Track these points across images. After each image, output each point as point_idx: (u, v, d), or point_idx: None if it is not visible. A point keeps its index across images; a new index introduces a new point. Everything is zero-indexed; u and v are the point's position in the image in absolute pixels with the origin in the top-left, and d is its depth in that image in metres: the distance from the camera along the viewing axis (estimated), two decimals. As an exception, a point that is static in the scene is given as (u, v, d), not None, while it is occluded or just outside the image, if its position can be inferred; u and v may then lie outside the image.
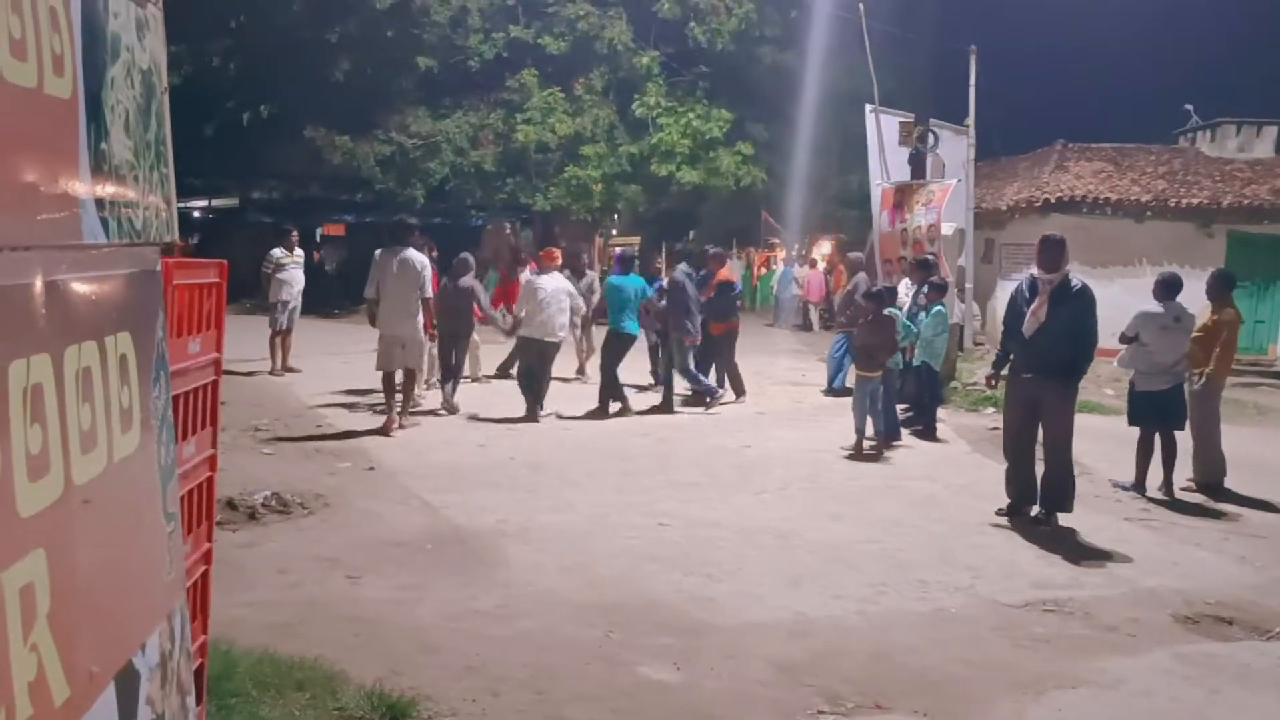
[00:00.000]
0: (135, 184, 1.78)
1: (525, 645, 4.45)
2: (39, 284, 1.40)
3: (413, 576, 5.28)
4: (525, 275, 11.25)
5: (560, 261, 11.02)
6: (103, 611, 1.57)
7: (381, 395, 9.36)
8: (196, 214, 27.96)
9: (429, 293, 9.12)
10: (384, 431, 8.98)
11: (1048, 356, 6.77)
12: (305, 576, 5.22)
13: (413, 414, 9.66)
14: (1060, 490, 6.87)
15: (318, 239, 26.96)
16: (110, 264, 1.69)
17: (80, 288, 1.55)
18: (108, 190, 1.64)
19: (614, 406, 10.47)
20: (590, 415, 10.33)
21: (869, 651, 4.59)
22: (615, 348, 10.61)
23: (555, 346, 10.16)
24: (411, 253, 9.07)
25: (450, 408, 10.14)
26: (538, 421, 9.87)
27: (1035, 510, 6.96)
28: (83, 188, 1.54)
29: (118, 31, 1.71)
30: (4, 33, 1.28)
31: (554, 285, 10.17)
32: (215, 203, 28.21)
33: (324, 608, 4.79)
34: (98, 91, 1.61)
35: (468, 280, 10.36)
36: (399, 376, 9.24)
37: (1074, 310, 6.72)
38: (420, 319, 9.07)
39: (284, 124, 21.04)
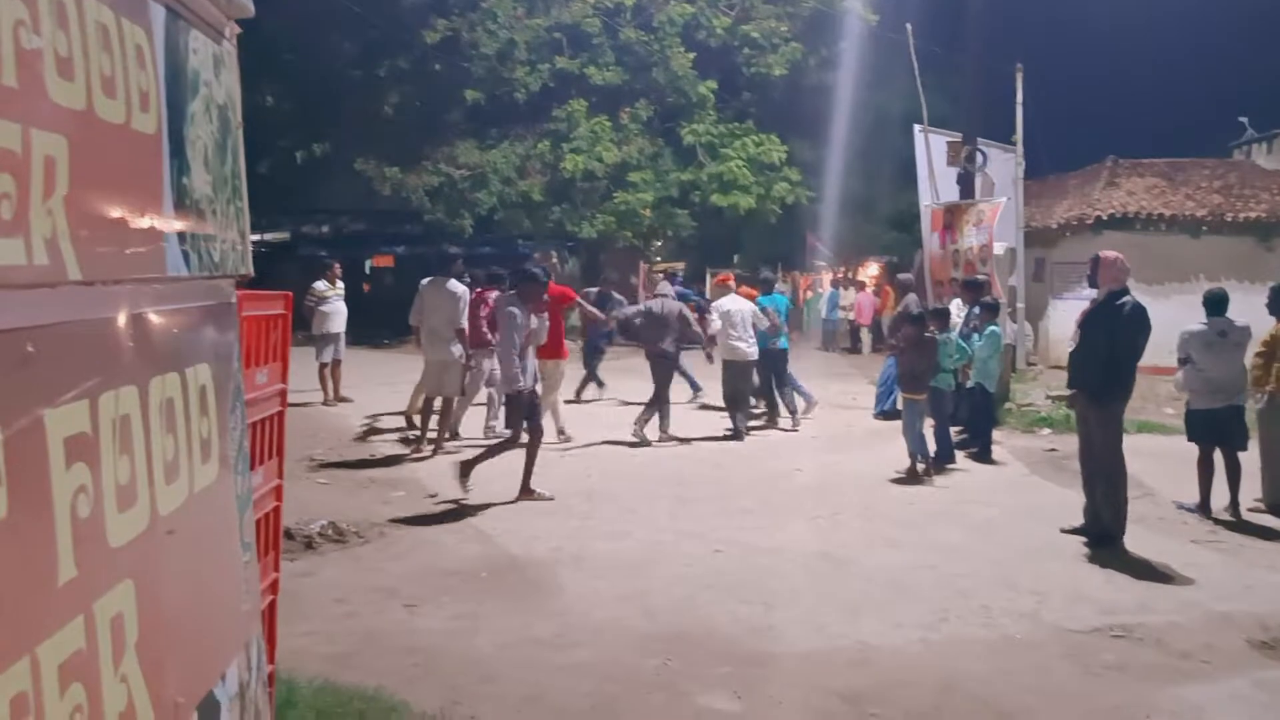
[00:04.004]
0: (214, 217, 1.80)
1: (584, 675, 4.41)
2: (126, 317, 1.42)
3: (469, 605, 5.28)
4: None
5: (734, 284, 11.43)
6: (186, 642, 1.58)
7: (435, 422, 9.48)
8: (249, 248, 28.45)
9: (462, 323, 9.35)
10: (416, 453, 9.22)
11: (1080, 372, 6.82)
12: (362, 606, 5.24)
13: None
14: (1101, 519, 6.69)
15: (367, 271, 27.33)
16: (191, 296, 1.71)
17: (164, 320, 1.57)
18: (189, 224, 1.67)
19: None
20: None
21: (934, 681, 4.48)
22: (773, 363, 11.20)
23: (751, 365, 10.65)
24: (451, 283, 9.45)
25: (667, 434, 10.27)
26: (741, 440, 10.36)
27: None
28: (167, 221, 1.57)
29: (197, 68, 1.74)
30: (96, 70, 1.30)
31: (737, 306, 10.62)
32: (267, 237, 28.73)
33: (382, 637, 4.81)
34: (180, 127, 1.63)
35: (672, 303, 10.58)
36: (437, 403, 9.48)
37: (1112, 330, 6.59)
38: (457, 347, 9.29)
39: (335, 159, 21.48)
